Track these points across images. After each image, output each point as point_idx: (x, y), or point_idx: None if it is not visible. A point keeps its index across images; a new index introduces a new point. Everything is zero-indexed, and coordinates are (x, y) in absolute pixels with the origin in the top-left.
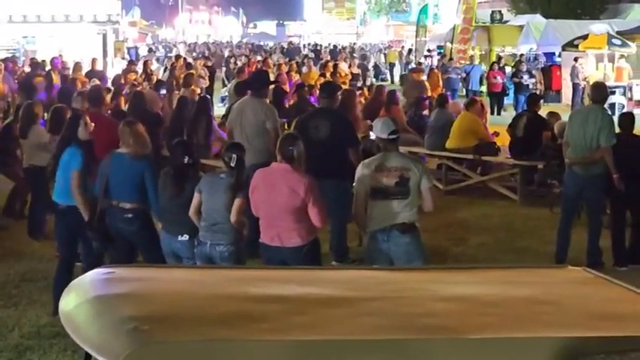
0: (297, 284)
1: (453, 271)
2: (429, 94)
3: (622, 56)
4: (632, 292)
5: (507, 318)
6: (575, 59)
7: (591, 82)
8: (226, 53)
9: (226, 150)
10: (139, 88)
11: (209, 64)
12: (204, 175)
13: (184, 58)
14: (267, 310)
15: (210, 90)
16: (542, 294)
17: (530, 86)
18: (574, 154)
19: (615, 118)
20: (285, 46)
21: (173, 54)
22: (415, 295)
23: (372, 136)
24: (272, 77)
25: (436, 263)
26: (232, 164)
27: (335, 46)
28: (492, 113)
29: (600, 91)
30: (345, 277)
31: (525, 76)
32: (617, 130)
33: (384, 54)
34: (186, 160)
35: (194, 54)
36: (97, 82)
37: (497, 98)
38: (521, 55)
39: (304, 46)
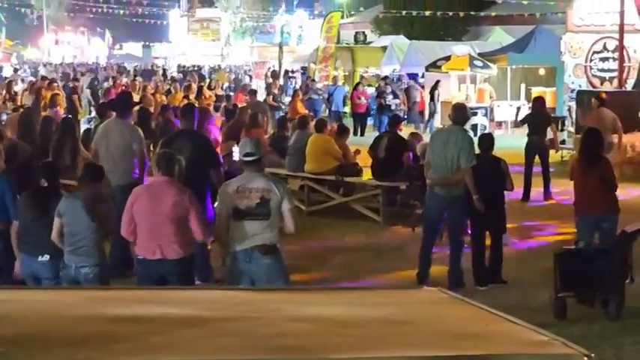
0: (157, 304)
1: (312, 292)
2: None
3: (485, 80)
4: (486, 312)
5: (363, 338)
6: (437, 82)
7: (453, 103)
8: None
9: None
10: None
11: (77, 84)
12: (63, 198)
13: (47, 78)
14: (124, 331)
15: (74, 111)
16: (398, 314)
17: (394, 107)
18: (435, 175)
19: (476, 140)
20: (149, 67)
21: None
22: (273, 316)
23: (235, 157)
24: (137, 99)
25: (298, 284)
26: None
27: (195, 66)
28: (355, 134)
29: (461, 113)
30: (204, 297)
31: (389, 97)
32: (478, 151)
33: (249, 75)
34: (43, 183)
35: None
36: None
37: (360, 119)
38: (386, 77)
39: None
